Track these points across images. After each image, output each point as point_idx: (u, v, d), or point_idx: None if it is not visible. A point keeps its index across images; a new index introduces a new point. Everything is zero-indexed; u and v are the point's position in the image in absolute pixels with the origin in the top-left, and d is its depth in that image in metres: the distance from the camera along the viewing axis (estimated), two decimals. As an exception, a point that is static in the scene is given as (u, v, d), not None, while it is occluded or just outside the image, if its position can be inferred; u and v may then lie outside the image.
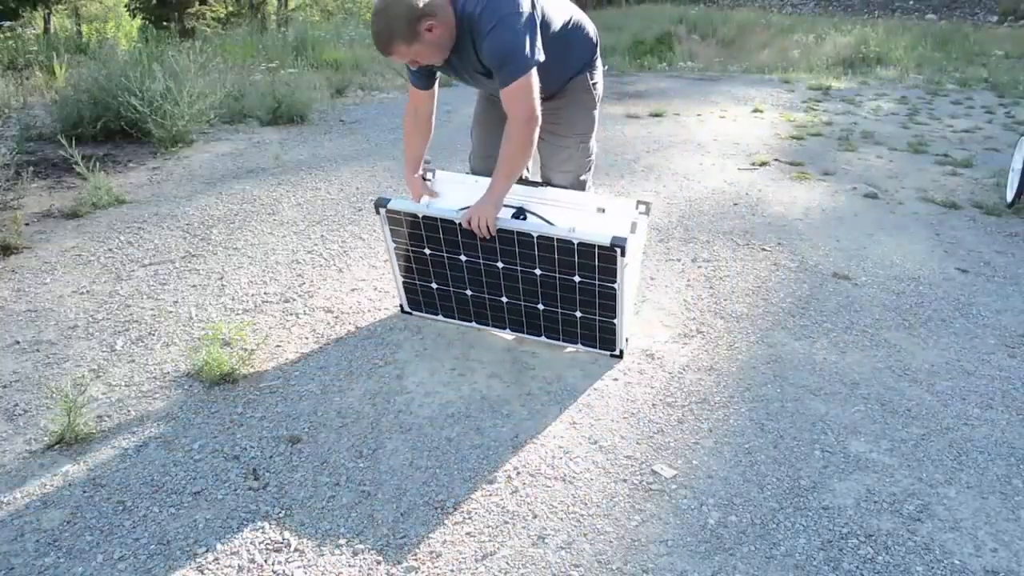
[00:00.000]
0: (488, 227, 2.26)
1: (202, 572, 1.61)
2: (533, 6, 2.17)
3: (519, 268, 2.40)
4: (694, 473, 2.02)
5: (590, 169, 2.63)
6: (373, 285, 3.04)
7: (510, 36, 2.12)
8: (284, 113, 5.72)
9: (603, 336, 2.48)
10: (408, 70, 2.40)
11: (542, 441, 2.12)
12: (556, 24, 2.32)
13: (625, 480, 1.97)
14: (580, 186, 2.60)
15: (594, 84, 2.50)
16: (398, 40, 2.10)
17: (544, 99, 2.25)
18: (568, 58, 2.40)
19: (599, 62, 2.54)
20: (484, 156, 2.59)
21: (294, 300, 2.88)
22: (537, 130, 2.23)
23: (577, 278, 2.34)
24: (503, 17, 2.13)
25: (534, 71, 2.16)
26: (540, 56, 2.17)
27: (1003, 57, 12.10)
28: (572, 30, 2.40)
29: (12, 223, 3.29)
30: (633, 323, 2.81)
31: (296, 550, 1.69)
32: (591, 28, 2.48)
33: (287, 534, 1.73)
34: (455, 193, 2.53)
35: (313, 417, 2.17)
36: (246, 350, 2.50)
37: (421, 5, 2.09)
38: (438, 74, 2.45)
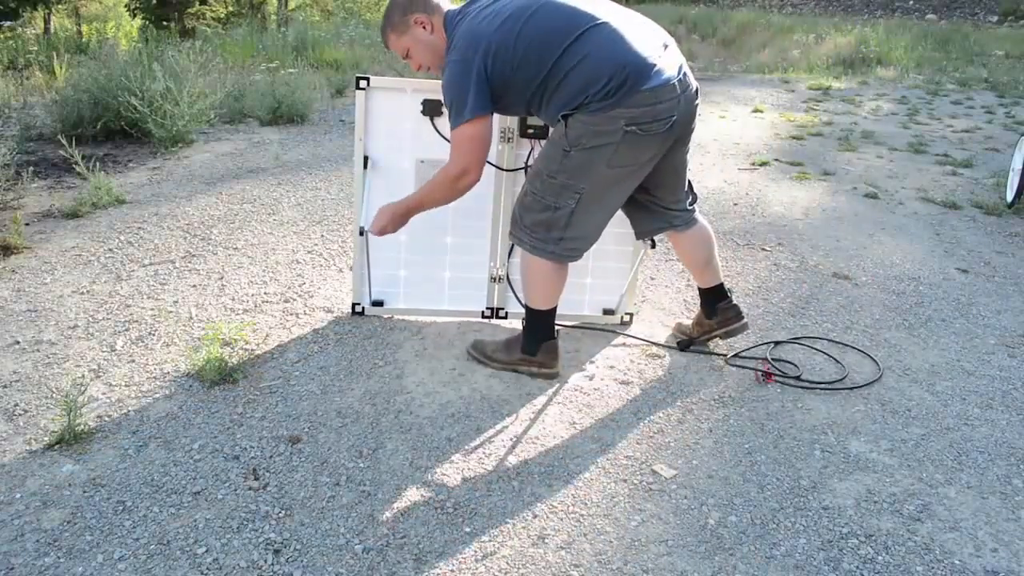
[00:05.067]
0: (378, 230, 2.34)
1: (202, 572, 1.61)
2: (486, 56, 2.06)
3: None
4: (694, 473, 2.02)
5: (533, 213, 2.22)
6: (373, 285, 3.03)
7: (446, 84, 2.12)
8: (284, 113, 5.72)
9: None
10: None
11: (542, 441, 2.12)
12: (533, 71, 2.08)
13: (625, 480, 1.97)
14: (515, 222, 2.31)
15: (569, 125, 2.09)
16: (389, 29, 2.26)
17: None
18: (555, 100, 2.11)
19: (609, 105, 2.03)
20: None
21: (294, 300, 2.88)
22: (462, 185, 2.19)
23: None
24: (449, 62, 2.13)
25: (475, 125, 2.09)
26: (476, 111, 2.07)
27: (1003, 57, 12.11)
28: (547, 79, 2.08)
29: (12, 223, 3.29)
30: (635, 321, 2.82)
31: (296, 550, 1.69)
32: (589, 70, 2.03)
33: (287, 534, 1.73)
34: None
35: (313, 417, 2.17)
36: (246, 350, 2.50)
37: (421, 1, 2.21)
38: None
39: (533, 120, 2.51)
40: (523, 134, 2.55)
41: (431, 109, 2.53)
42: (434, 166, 2.54)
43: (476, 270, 2.73)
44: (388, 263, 2.69)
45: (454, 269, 2.72)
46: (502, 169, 2.60)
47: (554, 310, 2.38)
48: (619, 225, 2.55)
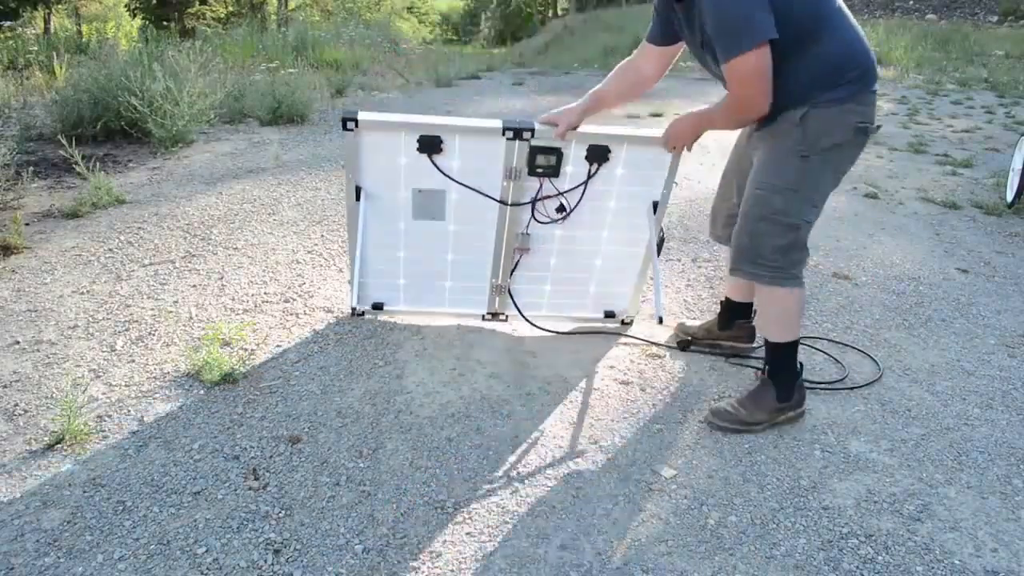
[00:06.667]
0: (680, 144, 2.22)
1: (202, 572, 1.61)
2: None
3: None
4: (694, 473, 2.02)
5: (774, 238, 2.02)
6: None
7: (723, 2, 1.81)
8: (284, 113, 5.72)
9: None
10: (653, 15, 2.13)
11: (542, 441, 2.12)
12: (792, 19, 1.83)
13: (625, 480, 1.97)
14: (747, 258, 2.09)
15: (808, 123, 1.93)
16: None
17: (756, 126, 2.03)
18: (788, 78, 1.89)
19: (847, 97, 1.91)
20: (718, 212, 2.43)
21: (294, 300, 2.88)
22: (747, 118, 1.99)
23: None
24: None
25: (762, 51, 1.79)
26: (768, 32, 1.78)
27: (1003, 57, 12.11)
28: (806, 36, 1.87)
29: (12, 223, 3.29)
30: (636, 322, 2.82)
31: (296, 550, 1.69)
32: (845, 45, 1.90)
33: (287, 534, 1.73)
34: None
35: (313, 417, 2.17)
36: (246, 350, 2.50)
37: None
38: (681, 43, 2.16)
39: (542, 160, 2.34)
40: (531, 172, 2.37)
41: (428, 146, 2.31)
42: (432, 195, 2.42)
43: (476, 283, 2.68)
44: (388, 276, 2.64)
45: (454, 279, 2.70)
46: (506, 204, 2.44)
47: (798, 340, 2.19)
48: (626, 229, 2.55)
